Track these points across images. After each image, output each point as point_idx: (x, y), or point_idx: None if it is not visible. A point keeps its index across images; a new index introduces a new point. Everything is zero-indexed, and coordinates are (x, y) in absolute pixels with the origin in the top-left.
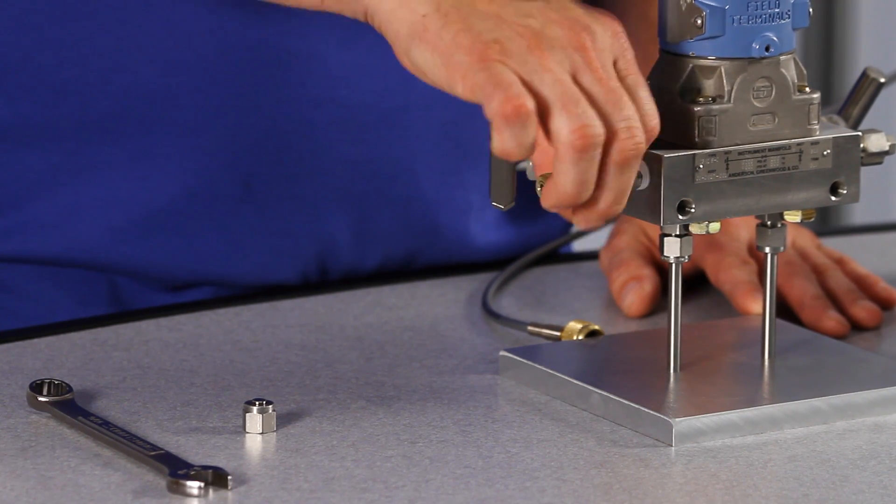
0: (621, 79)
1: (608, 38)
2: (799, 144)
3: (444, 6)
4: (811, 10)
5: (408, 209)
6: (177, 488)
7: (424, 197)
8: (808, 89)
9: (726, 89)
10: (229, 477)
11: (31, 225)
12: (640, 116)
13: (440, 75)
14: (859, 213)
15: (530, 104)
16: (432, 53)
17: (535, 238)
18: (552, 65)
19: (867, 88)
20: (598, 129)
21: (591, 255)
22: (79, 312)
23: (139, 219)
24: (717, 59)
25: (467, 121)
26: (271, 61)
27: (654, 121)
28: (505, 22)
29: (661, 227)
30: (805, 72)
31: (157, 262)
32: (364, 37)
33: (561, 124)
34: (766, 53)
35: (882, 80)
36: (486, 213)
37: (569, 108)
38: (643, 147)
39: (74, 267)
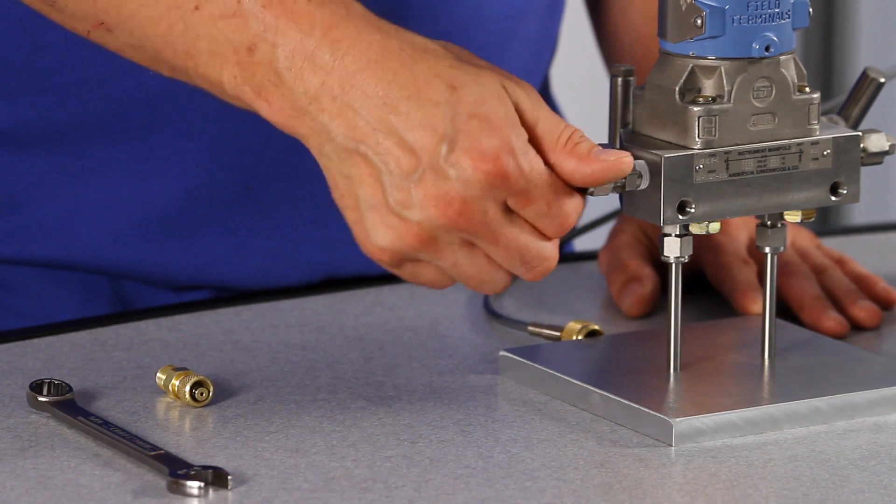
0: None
1: (477, 191)
2: (799, 144)
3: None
4: (811, 10)
5: None
6: (177, 488)
7: None
8: (808, 89)
9: (726, 89)
10: (229, 477)
11: (32, 227)
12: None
13: None
14: (859, 213)
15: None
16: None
17: None
18: (446, 253)
19: (867, 88)
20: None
21: (591, 255)
22: (81, 310)
23: (140, 221)
24: (717, 59)
25: None
26: None
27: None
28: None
29: (661, 227)
30: (805, 72)
31: (159, 264)
32: None
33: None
34: (766, 53)
35: (882, 80)
36: None
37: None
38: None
39: (76, 270)
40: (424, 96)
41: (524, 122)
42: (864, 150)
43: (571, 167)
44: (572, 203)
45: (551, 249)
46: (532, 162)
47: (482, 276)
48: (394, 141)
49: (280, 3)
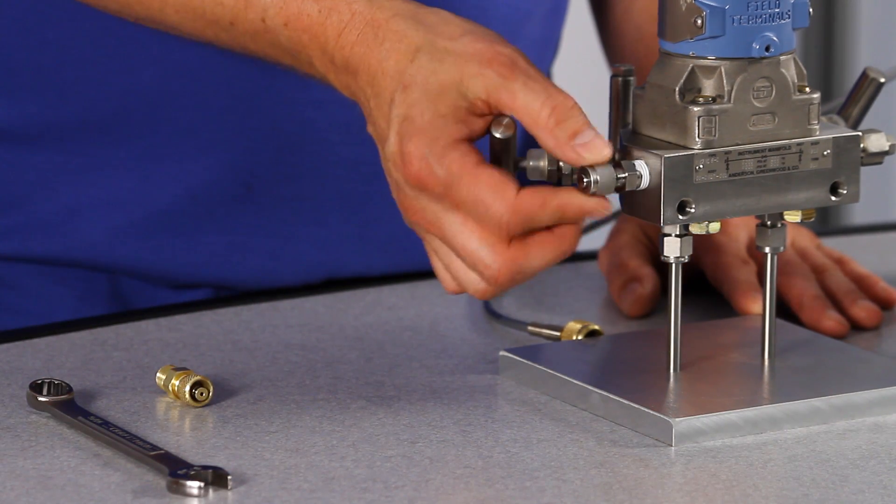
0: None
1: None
2: (799, 144)
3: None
4: (811, 10)
5: None
6: (177, 488)
7: None
8: (808, 89)
9: (726, 89)
10: (229, 477)
11: (32, 224)
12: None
13: None
14: (859, 213)
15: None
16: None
17: None
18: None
19: (867, 88)
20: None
21: (592, 255)
22: (80, 309)
23: (140, 219)
24: (717, 59)
25: None
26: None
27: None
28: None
29: (661, 227)
30: (805, 72)
31: (158, 263)
32: None
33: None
34: (766, 53)
35: (882, 80)
36: None
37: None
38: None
39: (75, 267)
40: (387, 92)
41: (498, 103)
42: (864, 150)
43: (549, 147)
44: (498, 203)
45: (490, 256)
46: (450, 166)
47: (454, 271)
48: (373, 128)
49: (297, 20)
